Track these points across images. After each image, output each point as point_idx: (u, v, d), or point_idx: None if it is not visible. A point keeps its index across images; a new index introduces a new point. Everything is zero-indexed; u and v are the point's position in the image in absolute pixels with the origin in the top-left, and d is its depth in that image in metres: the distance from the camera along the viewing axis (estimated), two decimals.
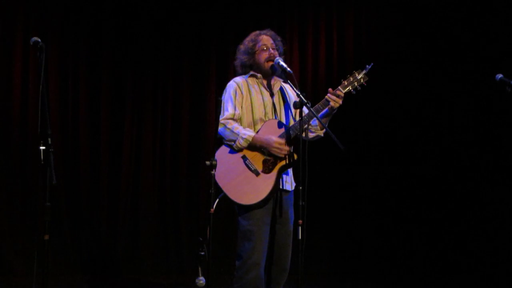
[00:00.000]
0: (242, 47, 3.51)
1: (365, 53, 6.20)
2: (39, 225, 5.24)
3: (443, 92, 5.95)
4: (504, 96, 3.22)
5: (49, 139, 2.81)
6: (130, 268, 5.69)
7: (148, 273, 5.68)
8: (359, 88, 3.29)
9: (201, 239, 3.03)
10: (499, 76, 3.27)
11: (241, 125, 3.37)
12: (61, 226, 5.50)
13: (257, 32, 3.52)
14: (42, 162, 2.78)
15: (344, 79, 3.30)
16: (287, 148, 3.25)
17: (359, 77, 3.29)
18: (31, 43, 2.95)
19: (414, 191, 5.96)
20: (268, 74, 3.44)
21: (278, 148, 3.23)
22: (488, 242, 5.59)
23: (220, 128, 3.32)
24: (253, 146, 3.27)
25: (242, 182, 3.26)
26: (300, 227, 3.03)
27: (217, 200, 3.17)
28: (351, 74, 3.31)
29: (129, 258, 5.71)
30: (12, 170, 5.46)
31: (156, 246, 5.80)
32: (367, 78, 3.31)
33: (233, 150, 3.32)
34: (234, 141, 3.28)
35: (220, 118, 3.33)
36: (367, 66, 3.30)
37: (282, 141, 3.25)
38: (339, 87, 3.27)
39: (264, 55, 3.40)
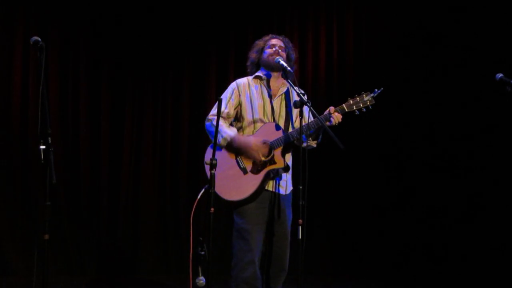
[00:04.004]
0: (254, 47, 3.57)
1: (365, 53, 6.20)
2: (39, 225, 5.25)
3: (443, 91, 5.94)
4: (504, 96, 3.22)
5: (49, 139, 2.80)
6: (130, 268, 5.69)
7: (148, 273, 5.68)
8: (363, 110, 3.32)
9: (201, 239, 3.03)
10: (499, 76, 3.27)
11: (243, 125, 3.40)
12: (61, 226, 5.51)
13: (272, 35, 3.59)
14: (42, 162, 2.78)
15: (351, 98, 3.33)
16: (264, 150, 3.26)
17: (366, 99, 3.31)
18: (31, 43, 2.94)
19: (415, 191, 5.96)
20: (270, 69, 3.46)
21: (255, 150, 3.26)
22: (490, 243, 5.59)
23: (206, 123, 3.42)
24: (231, 146, 3.31)
25: (229, 178, 3.30)
26: (300, 227, 3.03)
27: (203, 190, 3.14)
28: (359, 94, 3.33)
29: (129, 258, 5.72)
30: (12, 169, 5.47)
31: (156, 246, 5.80)
32: (374, 102, 3.32)
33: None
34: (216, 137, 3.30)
35: (210, 113, 3.41)
36: (376, 90, 3.30)
37: (260, 141, 3.28)
38: (344, 105, 3.31)
39: (269, 51, 3.46)
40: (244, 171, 3.30)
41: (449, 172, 5.87)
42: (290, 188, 3.46)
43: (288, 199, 3.42)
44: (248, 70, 3.59)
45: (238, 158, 3.33)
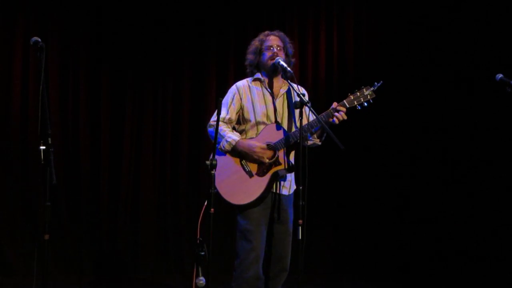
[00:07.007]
0: (251, 46, 3.56)
1: (365, 53, 6.19)
2: (39, 225, 5.25)
3: (443, 92, 5.94)
4: (504, 96, 3.22)
5: (49, 139, 2.81)
6: (130, 268, 5.69)
7: (148, 273, 5.68)
8: (365, 104, 3.31)
9: (201, 239, 3.03)
10: (499, 76, 3.27)
11: (246, 127, 3.40)
12: (61, 226, 5.50)
13: (267, 32, 3.56)
14: (42, 162, 2.78)
15: (351, 94, 3.32)
16: (269, 153, 3.26)
17: (366, 93, 3.30)
18: (31, 43, 2.95)
19: (415, 191, 5.96)
20: (270, 72, 3.45)
21: (260, 153, 3.26)
22: (489, 242, 5.59)
23: (209, 129, 3.42)
24: (235, 150, 3.31)
25: (235, 182, 3.30)
26: (300, 227, 3.04)
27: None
28: (359, 89, 3.32)
29: (129, 258, 5.72)
30: (12, 170, 5.46)
31: (156, 246, 5.80)
32: (374, 96, 3.31)
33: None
34: (220, 142, 3.32)
35: (211, 119, 3.41)
36: (376, 83, 3.29)
37: (264, 146, 3.28)
38: (345, 101, 3.29)
39: (268, 54, 3.44)
40: (250, 174, 3.30)
41: (450, 172, 5.87)
42: (293, 188, 3.46)
43: (290, 199, 3.42)
44: (248, 70, 3.58)
45: (242, 162, 3.33)
